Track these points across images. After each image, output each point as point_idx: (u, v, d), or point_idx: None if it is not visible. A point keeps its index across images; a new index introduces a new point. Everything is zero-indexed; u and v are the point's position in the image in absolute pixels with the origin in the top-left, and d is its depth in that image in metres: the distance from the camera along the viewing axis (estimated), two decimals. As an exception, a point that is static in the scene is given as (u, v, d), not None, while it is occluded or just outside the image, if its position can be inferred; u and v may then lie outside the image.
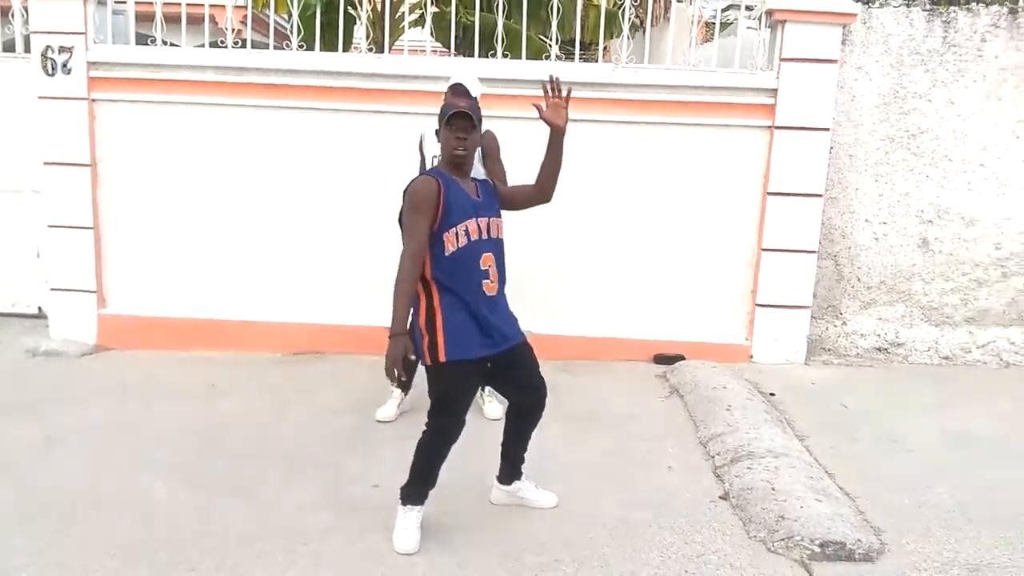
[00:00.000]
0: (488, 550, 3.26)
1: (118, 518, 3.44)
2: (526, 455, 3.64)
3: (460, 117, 3.21)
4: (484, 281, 3.25)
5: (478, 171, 4.25)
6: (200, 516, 3.48)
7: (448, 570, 3.11)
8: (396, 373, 3.13)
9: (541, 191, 3.40)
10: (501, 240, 3.37)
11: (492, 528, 3.44)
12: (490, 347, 3.26)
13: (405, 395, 4.71)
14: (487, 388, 4.59)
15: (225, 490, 3.74)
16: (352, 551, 3.23)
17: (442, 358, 3.19)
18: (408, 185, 3.27)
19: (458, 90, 4.21)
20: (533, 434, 3.59)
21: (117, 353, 5.89)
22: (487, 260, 3.26)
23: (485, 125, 3.96)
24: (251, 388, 5.18)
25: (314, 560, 3.16)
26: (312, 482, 3.84)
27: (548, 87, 3.27)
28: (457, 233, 3.20)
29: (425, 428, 3.31)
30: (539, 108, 3.30)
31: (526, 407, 3.53)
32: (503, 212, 3.43)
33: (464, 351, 3.20)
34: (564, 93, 3.28)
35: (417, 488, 3.34)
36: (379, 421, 4.62)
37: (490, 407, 4.70)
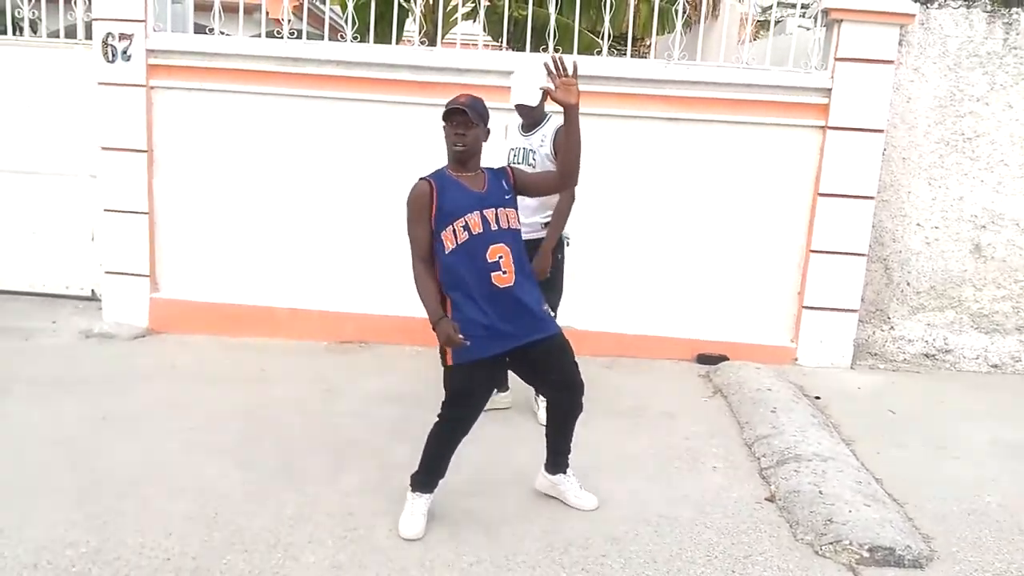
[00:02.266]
0: (534, 543, 3.29)
1: (172, 497, 3.51)
2: (571, 448, 3.61)
3: (457, 114, 3.22)
4: (494, 274, 3.19)
5: (546, 167, 4.17)
6: (252, 498, 3.55)
7: (495, 560, 3.14)
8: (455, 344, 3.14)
9: (564, 175, 3.35)
10: (515, 230, 3.30)
11: (538, 520, 3.47)
12: (503, 344, 3.23)
13: (502, 392, 4.64)
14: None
15: (276, 473, 3.80)
16: (401, 536, 3.27)
17: (448, 361, 3.24)
18: None
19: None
20: (578, 429, 3.56)
21: (168, 337, 6.00)
22: (496, 252, 3.20)
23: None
24: (300, 374, 5.26)
25: (364, 544, 3.21)
26: (361, 468, 3.89)
27: (554, 67, 3.19)
28: (455, 230, 3.17)
29: (438, 418, 3.35)
30: (549, 91, 3.24)
31: (557, 404, 3.50)
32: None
33: (469, 354, 3.17)
34: (571, 71, 3.19)
35: (426, 476, 3.38)
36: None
37: (543, 412, 4.65)
